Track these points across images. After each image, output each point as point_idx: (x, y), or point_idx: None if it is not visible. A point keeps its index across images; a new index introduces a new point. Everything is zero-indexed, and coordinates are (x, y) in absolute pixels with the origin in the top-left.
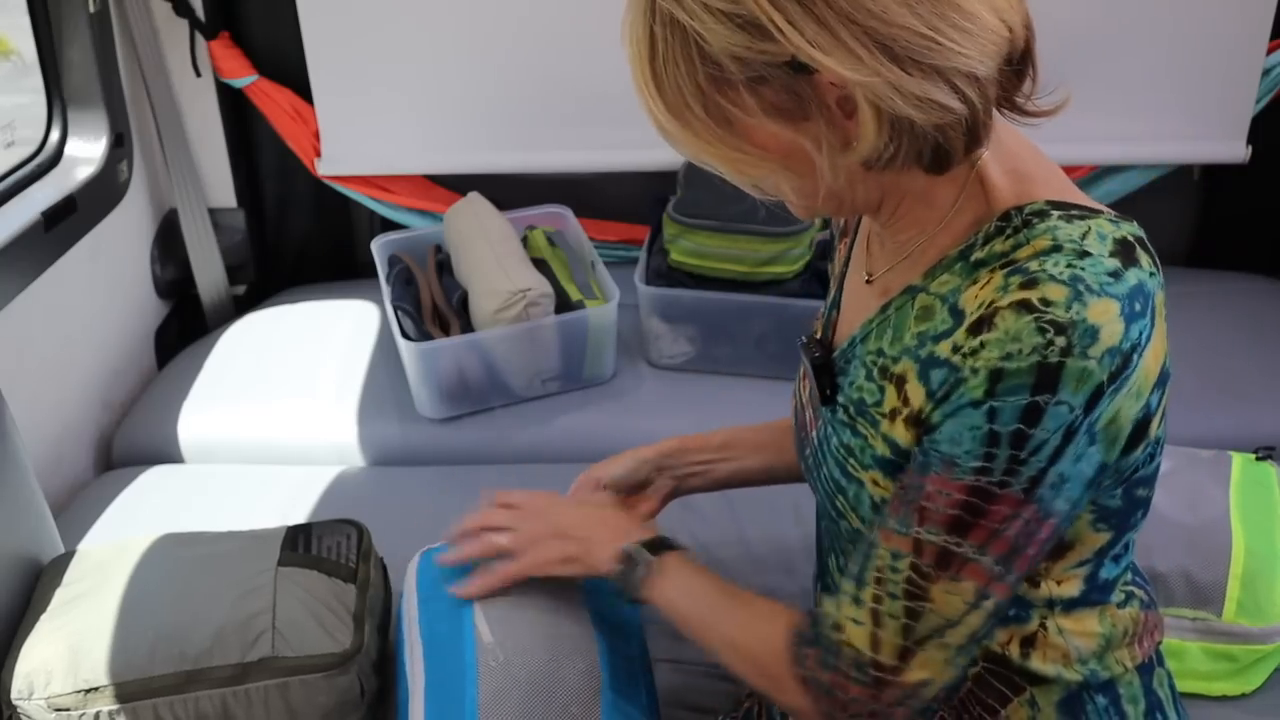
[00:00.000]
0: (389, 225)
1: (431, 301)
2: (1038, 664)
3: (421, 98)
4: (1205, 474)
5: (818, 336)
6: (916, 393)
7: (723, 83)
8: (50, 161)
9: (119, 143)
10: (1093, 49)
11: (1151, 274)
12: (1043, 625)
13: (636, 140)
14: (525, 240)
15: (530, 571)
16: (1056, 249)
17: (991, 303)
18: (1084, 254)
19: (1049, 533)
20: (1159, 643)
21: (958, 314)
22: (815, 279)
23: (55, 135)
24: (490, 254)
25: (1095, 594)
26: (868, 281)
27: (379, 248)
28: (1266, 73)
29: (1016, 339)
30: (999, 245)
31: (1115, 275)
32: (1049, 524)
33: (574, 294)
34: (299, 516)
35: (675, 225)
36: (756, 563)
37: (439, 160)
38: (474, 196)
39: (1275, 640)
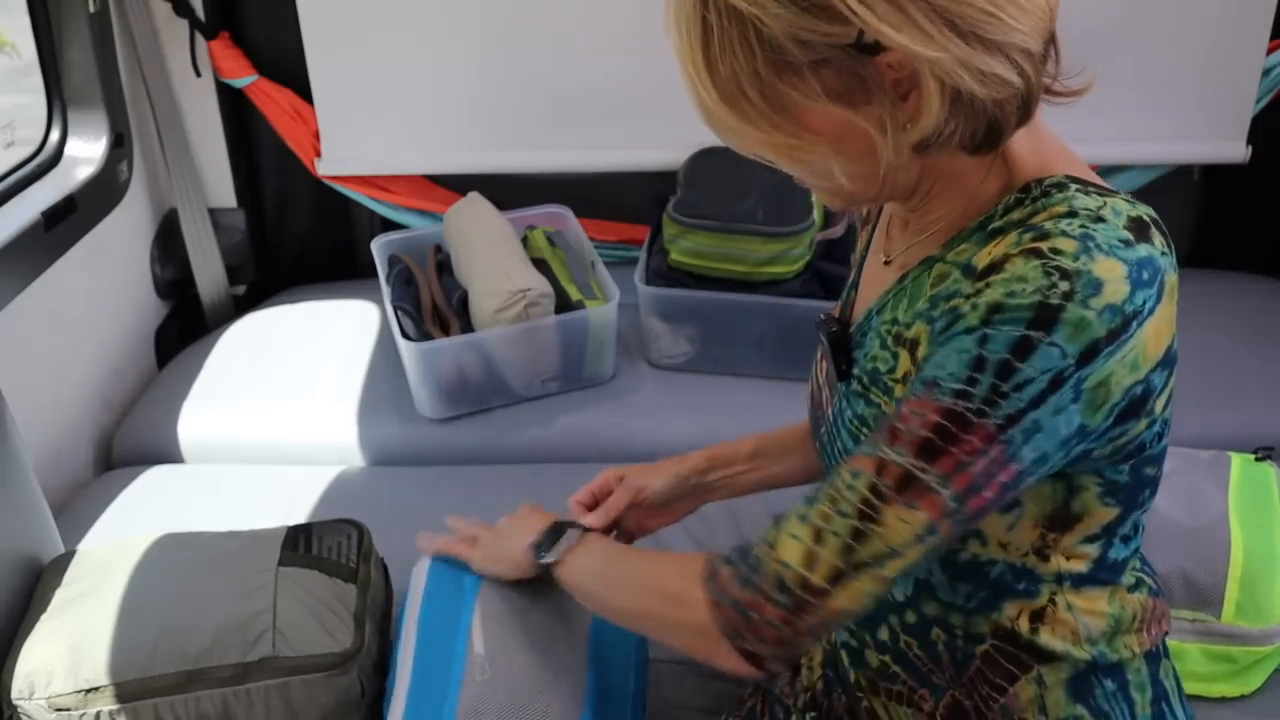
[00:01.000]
0: (389, 225)
1: (431, 301)
2: (1046, 639)
3: (421, 98)
4: (1204, 475)
5: (835, 314)
6: (926, 352)
7: (783, 67)
8: (50, 161)
9: (119, 143)
10: (1093, 49)
11: (1164, 253)
12: (1052, 600)
13: (636, 140)
14: (525, 240)
15: (477, 562)
16: (1072, 214)
17: (1003, 254)
18: (1099, 219)
19: (1009, 479)
20: (1165, 633)
21: (970, 271)
22: (815, 279)
23: (55, 135)
24: (490, 254)
25: (1104, 573)
26: (886, 263)
27: (379, 248)
28: (1266, 73)
29: (1022, 279)
30: (1017, 214)
31: (1127, 243)
32: (1011, 469)
33: (574, 294)
34: (299, 516)
35: (675, 225)
36: None
37: (439, 160)
38: (474, 196)
39: (1274, 642)
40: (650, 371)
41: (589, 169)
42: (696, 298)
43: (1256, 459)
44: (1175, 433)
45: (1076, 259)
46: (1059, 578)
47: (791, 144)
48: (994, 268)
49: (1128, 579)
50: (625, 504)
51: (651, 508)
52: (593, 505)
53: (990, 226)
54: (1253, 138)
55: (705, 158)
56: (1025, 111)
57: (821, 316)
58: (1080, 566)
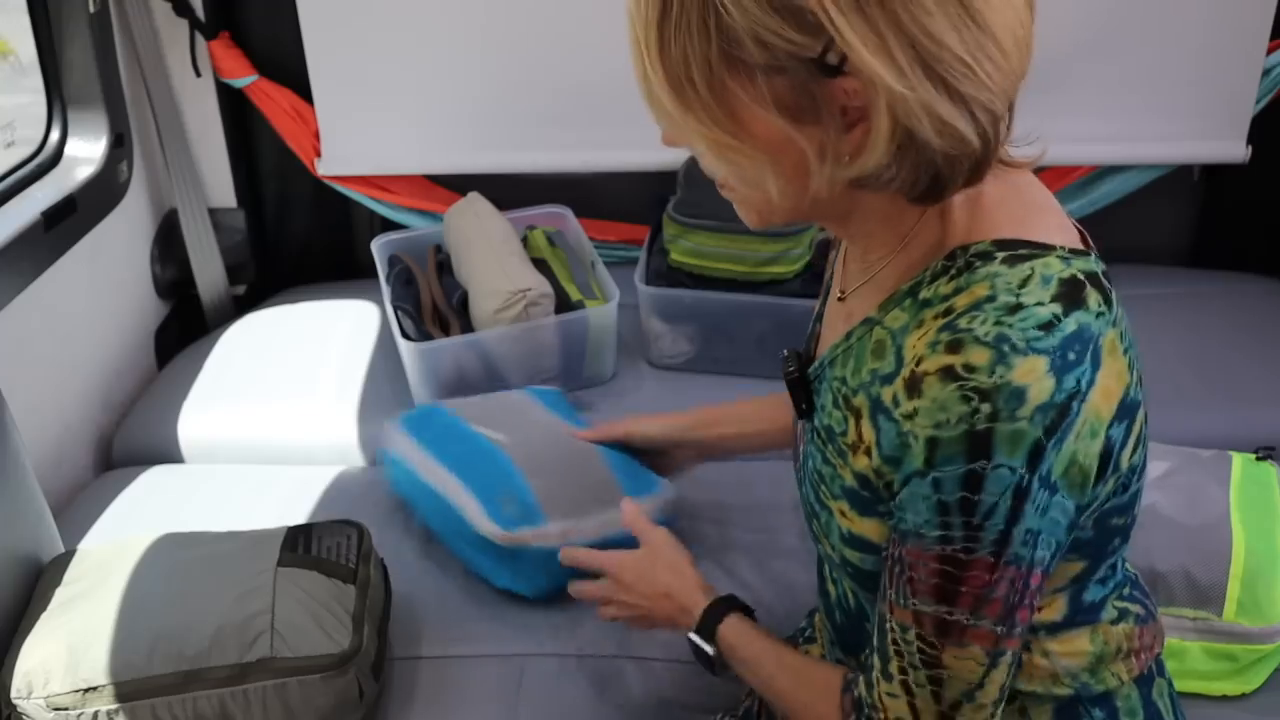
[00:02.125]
0: (389, 225)
1: (431, 301)
2: (1024, 684)
3: (422, 98)
4: (1205, 474)
5: (799, 349)
6: (869, 434)
7: (736, 64)
8: (50, 161)
9: (119, 143)
10: (1093, 49)
11: (1100, 314)
12: (1028, 648)
13: (636, 140)
14: (525, 240)
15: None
16: (990, 299)
17: (919, 360)
18: (1016, 307)
19: (1038, 583)
20: (1157, 655)
21: (900, 359)
22: (815, 279)
23: (55, 135)
24: (490, 254)
25: (1081, 616)
26: (840, 299)
27: (379, 248)
28: (1266, 73)
29: (944, 408)
30: (943, 286)
31: (1047, 327)
32: (1035, 575)
33: (574, 294)
34: (299, 516)
35: (675, 225)
36: (755, 563)
37: (439, 160)
38: (474, 196)
39: (1275, 640)
40: (650, 371)
41: (589, 169)
42: (696, 298)
43: (1257, 459)
44: (1175, 433)
45: (992, 373)
46: (1033, 629)
47: (728, 144)
48: (914, 385)
49: (1109, 614)
50: (620, 434)
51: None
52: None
53: (920, 295)
54: (1253, 138)
55: None
56: (975, 174)
57: (784, 353)
58: (1054, 615)
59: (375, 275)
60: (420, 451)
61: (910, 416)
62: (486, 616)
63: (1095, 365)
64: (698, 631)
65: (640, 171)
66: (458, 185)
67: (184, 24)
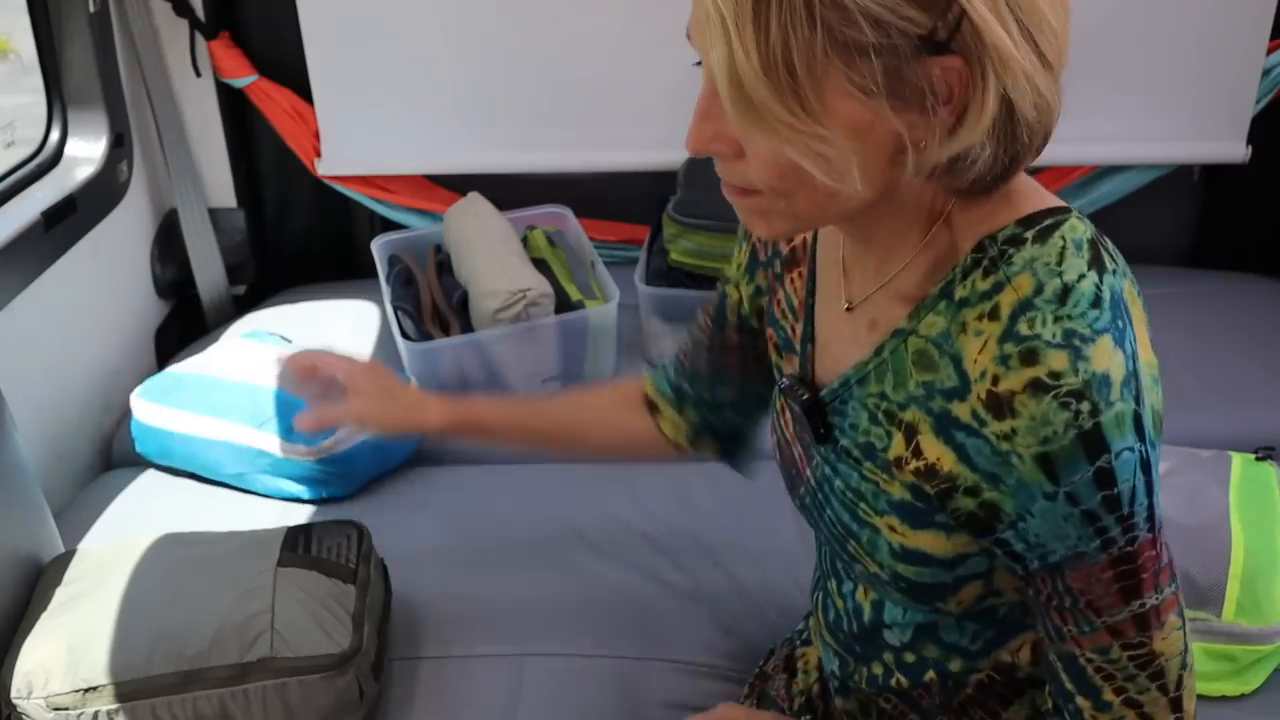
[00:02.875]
0: (389, 225)
1: (431, 301)
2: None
3: (422, 98)
4: (1205, 474)
5: (795, 373)
6: (936, 449)
7: (842, 46)
8: (50, 161)
9: (119, 143)
10: (1093, 49)
11: (1114, 270)
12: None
13: (636, 140)
14: (525, 240)
15: None
16: (1038, 291)
17: (996, 377)
18: (1065, 292)
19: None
20: None
21: (962, 374)
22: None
23: (55, 135)
24: (490, 254)
25: None
26: (848, 309)
27: (379, 248)
28: (1266, 73)
29: (1046, 421)
30: (979, 282)
31: (1097, 304)
32: (1162, 531)
33: (574, 294)
34: (299, 517)
35: (675, 225)
36: (755, 563)
37: (439, 160)
38: (474, 196)
39: (1275, 641)
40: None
41: (589, 169)
42: (696, 298)
43: (1257, 459)
44: (1175, 433)
45: (1076, 371)
46: None
47: (818, 134)
48: (1003, 405)
49: None
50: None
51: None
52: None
53: (956, 296)
54: (1253, 138)
55: (705, 158)
56: (1041, 147)
57: (785, 382)
58: None
59: (375, 275)
60: (185, 413)
61: (1008, 437)
62: (486, 616)
63: (1129, 319)
64: None
65: (640, 171)
66: (458, 185)
67: (184, 24)
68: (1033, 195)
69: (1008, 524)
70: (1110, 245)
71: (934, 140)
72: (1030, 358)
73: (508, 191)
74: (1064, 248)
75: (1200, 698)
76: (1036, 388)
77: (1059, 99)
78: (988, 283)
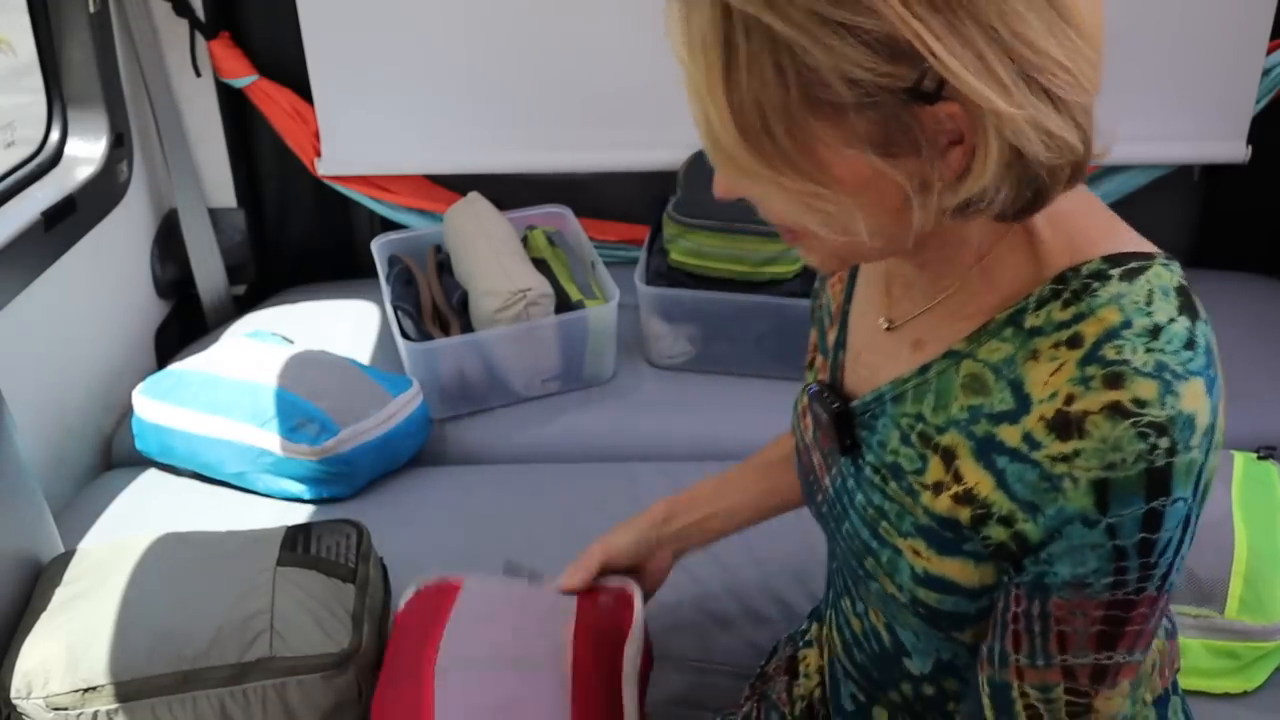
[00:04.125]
0: (389, 225)
1: (431, 301)
2: None
3: (421, 98)
4: None
5: (824, 379)
6: (974, 474)
7: (820, 105)
8: (50, 161)
9: (119, 143)
10: None
11: (1206, 320)
12: None
13: (636, 140)
14: (525, 240)
15: None
16: (1126, 324)
17: (1070, 397)
18: (1156, 329)
19: (1167, 603)
20: (1177, 670)
21: (1022, 396)
22: (815, 278)
23: (55, 135)
24: (490, 254)
25: None
26: (889, 328)
27: (379, 248)
28: (1266, 73)
29: (1117, 448)
30: (1057, 313)
31: (1191, 346)
32: (1169, 596)
33: (574, 294)
34: (299, 516)
35: (675, 225)
36: (756, 561)
37: (439, 160)
38: (474, 196)
39: (1277, 638)
40: (650, 371)
41: (589, 169)
42: (696, 298)
43: (1259, 458)
44: None
45: (1163, 405)
46: None
47: (814, 192)
48: (1072, 425)
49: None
50: (597, 566)
51: (628, 569)
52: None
53: (1026, 324)
54: (1253, 138)
55: (705, 158)
56: (1074, 179)
57: (814, 387)
58: None
59: (375, 275)
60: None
61: (1066, 459)
62: None
63: (1219, 374)
64: None
65: (640, 171)
66: (458, 185)
67: (184, 24)
68: (1115, 233)
69: (1032, 553)
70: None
71: (943, 184)
72: (1115, 381)
73: (508, 191)
74: (1151, 291)
75: (1203, 695)
76: (1115, 411)
77: (1088, 129)
78: (1067, 313)
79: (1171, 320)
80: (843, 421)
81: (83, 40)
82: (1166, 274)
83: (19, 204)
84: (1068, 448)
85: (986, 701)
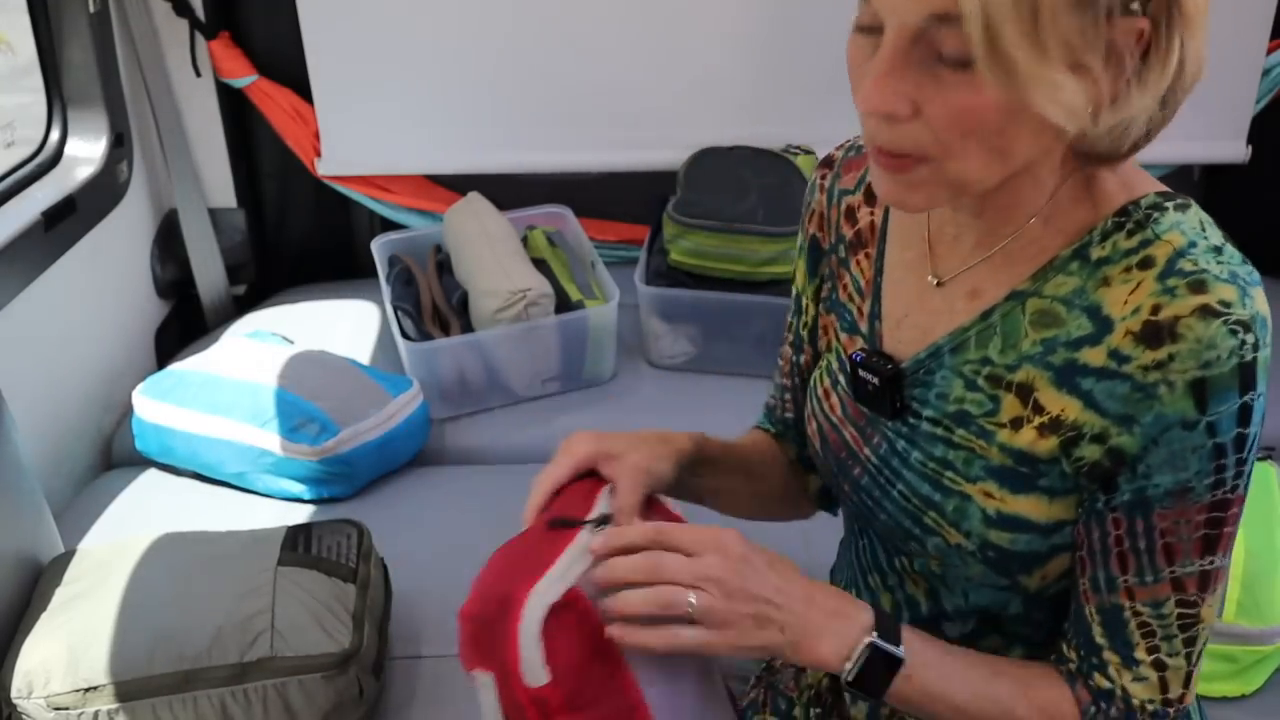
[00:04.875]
0: (389, 225)
1: (431, 301)
2: None
3: (421, 98)
4: None
5: (863, 348)
6: (1059, 402)
7: (1082, 4)
8: (50, 161)
9: (119, 143)
10: None
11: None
12: None
13: (636, 140)
14: (525, 240)
15: (722, 652)
16: (1193, 244)
17: (1156, 307)
18: (1219, 248)
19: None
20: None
21: (1101, 319)
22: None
23: (55, 135)
24: (490, 254)
25: None
26: (938, 285)
27: (379, 248)
28: (1266, 73)
29: (1212, 345)
30: (1123, 242)
31: (1246, 261)
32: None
33: (574, 294)
34: (299, 516)
35: (675, 225)
36: None
37: (439, 160)
38: (474, 196)
39: (1275, 641)
40: (650, 371)
41: (589, 169)
42: (696, 298)
43: (1258, 459)
44: None
45: (1244, 305)
46: None
47: (1054, 80)
48: (1163, 331)
49: None
50: (641, 499)
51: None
52: (574, 493)
53: (1093, 256)
54: (1253, 138)
55: (705, 158)
56: (1170, 116)
57: (860, 355)
58: None
59: (375, 275)
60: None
61: (1161, 365)
62: None
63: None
64: (881, 636)
65: (640, 171)
66: (458, 185)
67: (184, 24)
68: (1152, 180)
69: (1129, 467)
70: None
71: (1121, 96)
72: (1200, 287)
73: (508, 191)
74: (1201, 221)
75: (1201, 698)
76: (1206, 312)
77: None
78: (1133, 241)
79: (1225, 243)
80: (893, 384)
81: (83, 40)
82: (1203, 213)
83: (19, 204)
84: (1161, 354)
85: (1098, 629)
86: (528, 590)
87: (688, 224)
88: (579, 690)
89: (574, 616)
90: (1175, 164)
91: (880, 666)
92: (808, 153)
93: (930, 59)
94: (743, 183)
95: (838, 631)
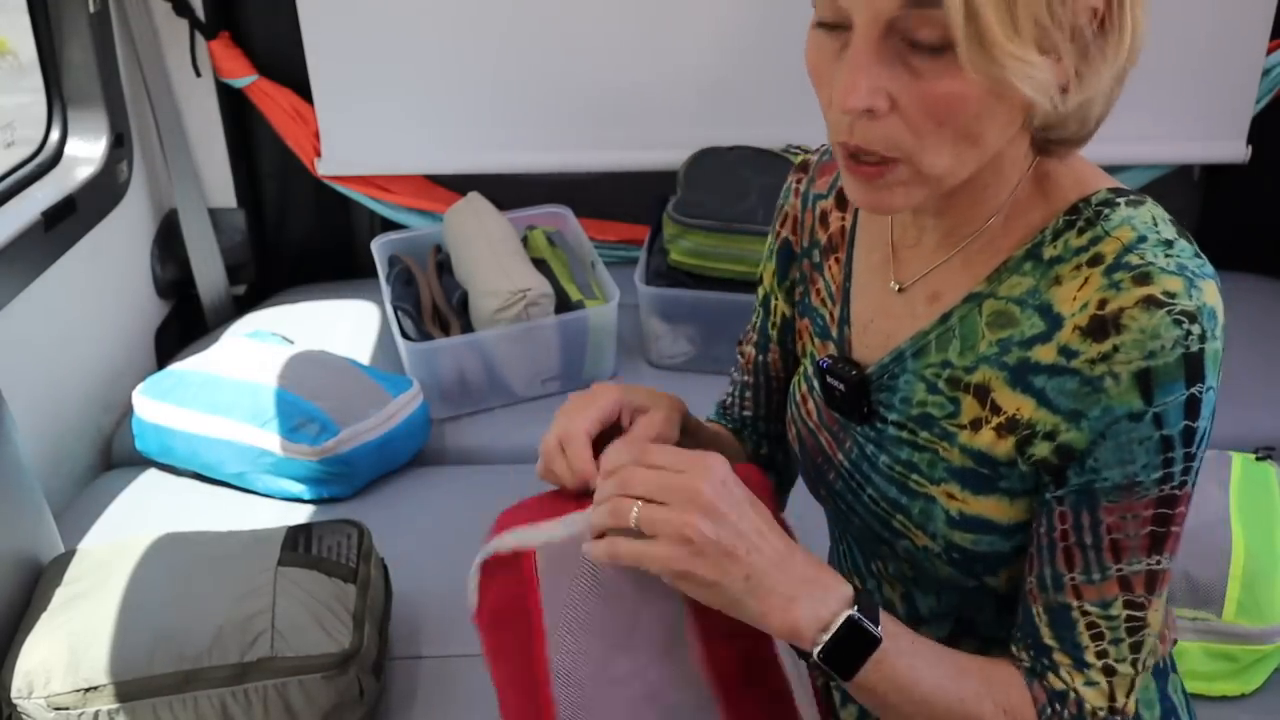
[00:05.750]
0: (389, 225)
1: (431, 301)
2: None
3: (421, 97)
4: (1205, 474)
5: (832, 355)
6: (1014, 401)
7: None
8: (50, 161)
9: (119, 143)
10: None
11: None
12: None
13: (636, 140)
14: (525, 240)
15: (665, 569)
16: (1142, 239)
17: (1102, 301)
18: (1170, 242)
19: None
20: (1174, 641)
21: (1052, 316)
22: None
23: (55, 135)
24: (490, 254)
25: None
26: (900, 290)
27: (379, 248)
28: (1266, 73)
29: (1155, 335)
30: (1074, 240)
31: (1199, 255)
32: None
33: (574, 294)
34: (299, 516)
35: (675, 225)
36: None
37: (439, 160)
38: (474, 196)
39: (1275, 640)
40: (650, 371)
41: (589, 169)
42: (696, 298)
43: (1257, 459)
44: None
45: (1190, 296)
46: None
47: (1029, 59)
48: (1108, 324)
49: None
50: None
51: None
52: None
53: (1045, 256)
54: (1253, 138)
55: (705, 158)
56: (1120, 91)
57: (826, 361)
58: None
59: (375, 275)
60: (188, 410)
61: (1106, 357)
62: None
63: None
64: (861, 613)
65: (640, 171)
66: (458, 185)
67: (184, 24)
68: (1105, 177)
69: (1078, 461)
70: None
71: (1085, 72)
72: (1144, 279)
73: (508, 191)
74: (1155, 217)
75: (1201, 698)
76: (1150, 303)
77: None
78: (1084, 239)
79: (1178, 238)
80: (859, 390)
81: (83, 40)
82: (1158, 209)
83: (19, 204)
84: (1105, 346)
85: (1046, 630)
86: (505, 528)
87: (688, 224)
88: (489, 637)
89: (511, 574)
90: (1175, 164)
91: (855, 645)
92: (808, 153)
93: (903, 50)
94: (743, 183)
95: (815, 599)
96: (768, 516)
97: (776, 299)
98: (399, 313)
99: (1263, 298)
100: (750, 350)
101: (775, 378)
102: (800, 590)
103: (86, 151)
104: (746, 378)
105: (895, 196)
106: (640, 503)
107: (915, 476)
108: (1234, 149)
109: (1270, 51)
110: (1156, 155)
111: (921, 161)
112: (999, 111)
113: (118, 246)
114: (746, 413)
